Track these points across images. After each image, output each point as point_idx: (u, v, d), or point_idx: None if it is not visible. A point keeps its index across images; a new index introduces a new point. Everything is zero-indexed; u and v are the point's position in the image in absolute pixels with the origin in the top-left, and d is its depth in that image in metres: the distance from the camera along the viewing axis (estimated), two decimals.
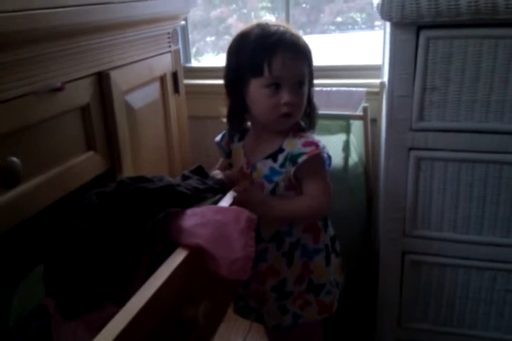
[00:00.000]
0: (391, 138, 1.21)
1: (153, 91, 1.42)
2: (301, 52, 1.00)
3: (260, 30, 0.99)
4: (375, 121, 1.64)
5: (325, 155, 1.04)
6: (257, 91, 1.00)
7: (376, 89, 1.60)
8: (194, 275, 0.86)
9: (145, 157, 1.36)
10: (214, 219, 0.86)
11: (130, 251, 0.89)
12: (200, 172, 1.13)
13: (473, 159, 1.16)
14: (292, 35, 0.99)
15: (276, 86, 0.98)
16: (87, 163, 1.12)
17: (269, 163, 1.04)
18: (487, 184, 1.18)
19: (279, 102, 0.98)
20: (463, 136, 1.15)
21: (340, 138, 1.51)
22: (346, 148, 1.51)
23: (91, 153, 1.15)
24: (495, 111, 1.12)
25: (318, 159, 1.01)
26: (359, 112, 1.53)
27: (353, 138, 1.55)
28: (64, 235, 0.91)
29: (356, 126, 1.56)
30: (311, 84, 1.06)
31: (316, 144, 1.00)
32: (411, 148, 1.20)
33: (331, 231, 1.15)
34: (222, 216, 0.87)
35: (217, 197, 1.02)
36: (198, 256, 0.84)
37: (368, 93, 1.65)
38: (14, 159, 0.87)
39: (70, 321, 0.86)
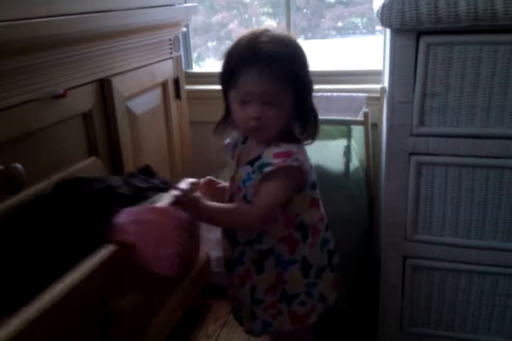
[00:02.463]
0: (392, 143, 1.21)
1: (154, 97, 1.43)
2: (272, 71, 0.95)
3: (247, 40, 0.98)
4: (375, 126, 1.65)
5: (295, 165, 0.99)
6: (232, 101, 1.01)
7: (377, 95, 1.60)
8: (119, 268, 0.89)
9: (146, 162, 1.36)
10: (147, 217, 0.89)
11: (66, 255, 0.89)
12: (147, 171, 1.16)
13: (473, 164, 1.17)
14: (269, 50, 0.96)
15: (245, 100, 0.98)
16: (89, 169, 1.13)
17: (248, 168, 1.04)
18: (488, 189, 1.18)
19: (248, 116, 0.99)
20: (463, 141, 1.16)
21: (341, 143, 1.52)
22: (347, 153, 1.51)
23: (93, 158, 1.16)
24: (495, 116, 1.12)
25: (284, 172, 0.98)
26: (360, 117, 1.53)
27: (354, 144, 1.55)
28: None
29: (357, 131, 1.56)
30: (303, 98, 1.02)
31: (286, 156, 0.98)
32: (412, 153, 1.20)
33: (330, 245, 1.14)
34: (156, 215, 0.90)
35: (159, 195, 1.06)
36: (124, 249, 0.88)
37: (369, 98, 1.66)
38: (17, 165, 0.88)
39: None
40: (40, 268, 0.86)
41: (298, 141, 1.05)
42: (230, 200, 1.09)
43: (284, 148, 1.00)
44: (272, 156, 0.99)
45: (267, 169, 0.98)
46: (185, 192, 1.01)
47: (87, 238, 0.90)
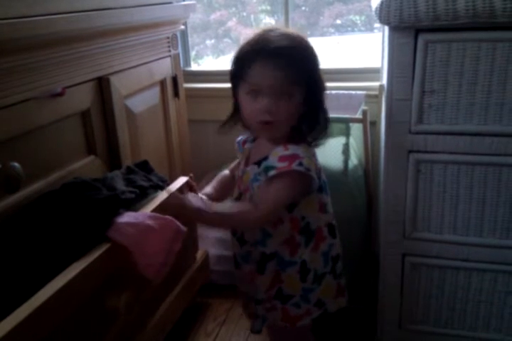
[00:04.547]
0: (390, 140, 1.21)
1: (153, 95, 1.43)
2: (283, 63, 0.95)
3: (258, 35, 0.99)
4: (374, 124, 1.65)
5: (298, 170, 0.97)
6: (242, 95, 1.01)
7: (375, 92, 1.60)
8: (115, 267, 0.92)
9: None
10: (144, 223, 0.91)
11: (67, 253, 0.89)
12: (145, 167, 1.18)
13: (472, 161, 1.17)
14: (279, 44, 0.96)
15: (256, 92, 0.97)
16: (87, 168, 1.13)
17: (255, 168, 1.04)
18: (486, 186, 1.18)
19: (259, 109, 0.98)
20: (462, 139, 1.16)
21: (340, 141, 1.51)
22: (346, 151, 1.51)
23: (92, 157, 1.16)
24: (494, 113, 1.12)
25: (288, 176, 0.97)
26: (358, 115, 1.53)
27: (352, 141, 1.55)
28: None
29: (356, 128, 1.56)
30: (314, 95, 1.02)
31: (291, 160, 0.97)
32: (410, 151, 1.20)
33: (335, 250, 1.13)
34: (152, 221, 0.92)
35: (158, 193, 1.09)
36: (119, 249, 0.90)
37: (368, 96, 1.66)
38: (15, 164, 0.88)
39: None
40: (40, 266, 0.86)
41: (307, 142, 1.04)
42: (238, 198, 1.10)
43: (291, 150, 0.99)
44: (276, 159, 0.98)
45: (271, 173, 0.97)
46: (182, 198, 1.00)
47: (89, 236, 0.91)
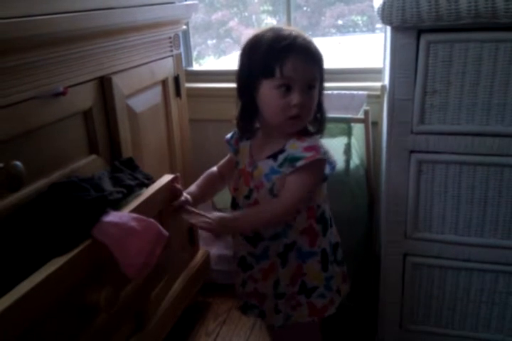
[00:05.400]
0: (392, 141, 1.21)
1: (155, 95, 1.43)
2: (312, 57, 1.01)
3: (274, 33, 1.01)
4: (376, 124, 1.64)
5: (324, 158, 1.03)
6: (268, 92, 1.01)
7: (377, 92, 1.60)
8: (95, 263, 0.93)
9: (147, 160, 1.37)
10: (128, 224, 0.92)
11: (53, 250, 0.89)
12: (130, 165, 1.18)
13: (474, 162, 1.17)
14: (305, 39, 1.01)
15: (287, 87, 0.99)
16: (89, 167, 1.13)
17: (270, 162, 1.05)
18: (488, 186, 1.18)
19: (289, 104, 0.99)
20: (464, 139, 1.16)
21: (342, 141, 1.52)
22: (347, 151, 1.52)
23: (93, 156, 1.16)
24: (496, 114, 1.12)
25: (316, 165, 1.01)
26: (360, 115, 1.53)
27: (354, 141, 1.55)
28: None
29: (357, 129, 1.56)
30: (322, 89, 1.07)
31: (317, 149, 1.01)
32: (412, 151, 1.20)
33: (333, 238, 1.14)
34: (136, 223, 0.93)
35: (143, 191, 1.10)
36: (101, 245, 0.91)
37: (369, 96, 1.66)
38: (17, 163, 0.88)
39: None
40: (24, 264, 0.86)
41: (309, 134, 1.06)
42: (248, 196, 1.09)
43: (309, 141, 1.03)
44: (301, 149, 1.01)
45: (300, 163, 1.00)
46: (203, 217, 1.03)
47: (78, 237, 0.91)
